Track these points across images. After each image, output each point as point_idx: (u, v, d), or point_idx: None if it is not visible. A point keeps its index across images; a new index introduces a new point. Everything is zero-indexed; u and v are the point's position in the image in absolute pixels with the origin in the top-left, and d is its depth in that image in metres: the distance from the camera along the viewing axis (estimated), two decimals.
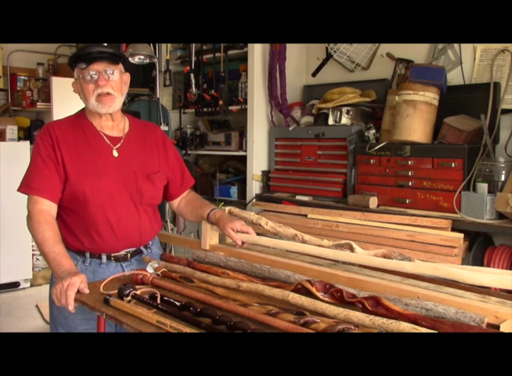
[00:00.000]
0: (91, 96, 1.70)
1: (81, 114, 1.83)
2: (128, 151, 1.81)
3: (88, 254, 1.78)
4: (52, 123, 1.82)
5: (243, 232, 1.83)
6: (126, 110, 3.52)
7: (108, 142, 1.78)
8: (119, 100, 1.76)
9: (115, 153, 1.78)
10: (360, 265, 1.58)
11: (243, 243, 1.84)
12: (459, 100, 2.68)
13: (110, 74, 1.71)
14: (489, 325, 1.14)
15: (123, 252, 1.81)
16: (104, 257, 1.78)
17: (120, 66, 1.78)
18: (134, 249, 1.83)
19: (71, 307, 1.46)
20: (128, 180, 1.78)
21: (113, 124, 1.81)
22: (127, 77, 1.82)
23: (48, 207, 1.69)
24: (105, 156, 1.77)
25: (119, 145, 1.80)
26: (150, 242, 1.90)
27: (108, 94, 1.71)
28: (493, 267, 2.33)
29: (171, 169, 1.93)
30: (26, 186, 1.72)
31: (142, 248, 1.86)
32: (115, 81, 1.72)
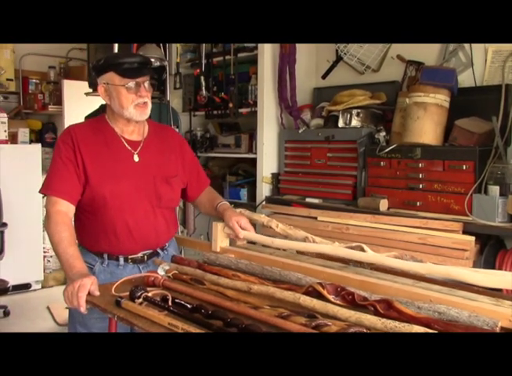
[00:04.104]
0: (130, 105, 1.76)
1: (102, 119, 1.87)
2: (148, 155, 1.85)
3: (106, 256, 1.82)
4: (73, 126, 1.86)
5: (245, 229, 1.87)
6: None
7: (128, 146, 1.83)
8: (150, 107, 1.82)
9: (136, 158, 1.83)
10: (371, 268, 1.58)
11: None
12: (470, 102, 2.66)
13: (147, 85, 1.79)
14: (503, 329, 1.14)
15: (140, 254, 1.85)
16: (121, 259, 1.82)
17: None
18: (151, 251, 1.87)
19: (83, 309, 1.47)
20: (146, 184, 1.82)
21: (134, 129, 1.85)
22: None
23: (66, 209, 1.73)
24: (125, 160, 1.81)
25: (139, 149, 1.84)
26: (167, 244, 1.93)
27: (145, 103, 1.78)
28: (505, 270, 2.31)
29: (188, 172, 1.98)
30: (45, 187, 1.77)
31: (158, 250, 1.89)
32: (149, 91, 1.80)
